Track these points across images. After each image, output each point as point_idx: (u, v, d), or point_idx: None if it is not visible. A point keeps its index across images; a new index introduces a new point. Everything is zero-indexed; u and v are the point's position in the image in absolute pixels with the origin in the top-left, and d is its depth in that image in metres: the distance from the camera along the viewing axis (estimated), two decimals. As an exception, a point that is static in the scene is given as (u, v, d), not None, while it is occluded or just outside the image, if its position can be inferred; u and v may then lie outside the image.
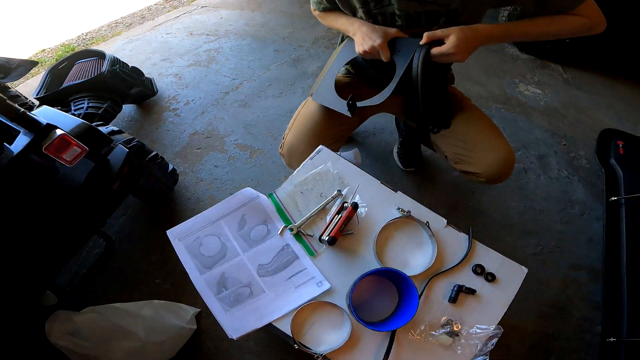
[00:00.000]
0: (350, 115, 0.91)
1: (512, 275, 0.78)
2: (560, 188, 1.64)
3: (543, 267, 1.37)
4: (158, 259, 1.27)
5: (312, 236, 0.77)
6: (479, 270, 0.77)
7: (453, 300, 0.73)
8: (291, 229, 0.76)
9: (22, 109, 0.76)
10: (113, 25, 3.16)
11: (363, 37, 0.91)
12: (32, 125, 0.77)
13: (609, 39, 2.36)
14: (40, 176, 0.86)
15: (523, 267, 0.80)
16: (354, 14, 0.97)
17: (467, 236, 0.80)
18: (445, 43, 0.80)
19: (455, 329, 0.70)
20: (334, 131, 1.04)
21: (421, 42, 0.83)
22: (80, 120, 0.93)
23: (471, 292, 0.74)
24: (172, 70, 2.16)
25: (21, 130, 0.78)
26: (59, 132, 0.79)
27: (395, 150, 1.61)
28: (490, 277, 0.77)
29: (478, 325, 0.71)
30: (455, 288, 0.73)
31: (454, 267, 0.76)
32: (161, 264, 1.25)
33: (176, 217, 1.37)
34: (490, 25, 0.83)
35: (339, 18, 1.02)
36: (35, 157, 0.80)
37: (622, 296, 1.17)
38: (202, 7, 3.29)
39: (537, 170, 1.70)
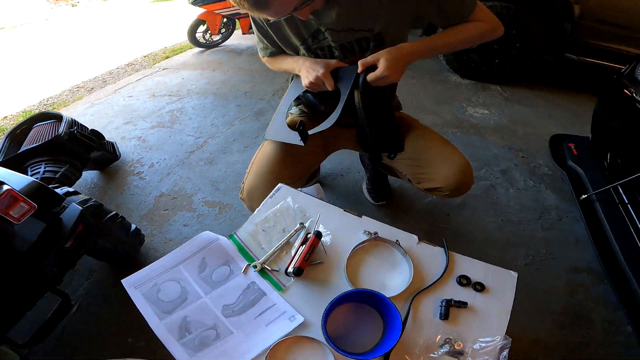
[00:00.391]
0: (302, 144, 0.92)
1: (502, 282, 0.73)
2: (530, 197, 1.68)
3: (541, 275, 1.34)
4: (129, 318, 1.17)
5: (278, 271, 0.72)
6: (464, 281, 0.72)
7: (444, 316, 0.67)
8: (255, 266, 0.72)
9: None
10: (75, 90, 3.20)
11: (307, 71, 0.95)
12: None
13: (526, 56, 2.74)
14: None
15: (511, 272, 0.75)
16: (297, 53, 1.03)
17: (442, 249, 0.77)
18: (377, 67, 0.85)
19: (456, 347, 0.63)
20: (292, 170, 1.04)
21: (358, 71, 0.88)
22: (30, 179, 0.93)
23: (462, 305, 0.69)
24: (135, 133, 2.17)
25: None
26: (5, 187, 0.78)
27: (364, 186, 1.63)
28: (479, 287, 0.72)
29: (481, 339, 0.65)
30: (444, 303, 0.68)
31: (436, 281, 0.72)
32: (133, 323, 1.16)
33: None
34: (413, 42, 0.91)
35: (284, 59, 1.07)
36: None
37: (635, 291, 1.14)
38: (164, 69, 3.43)
39: (504, 184, 1.74)
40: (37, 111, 2.79)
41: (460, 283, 0.72)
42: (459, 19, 0.93)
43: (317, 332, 0.64)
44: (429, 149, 1.05)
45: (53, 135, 1.48)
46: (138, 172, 1.83)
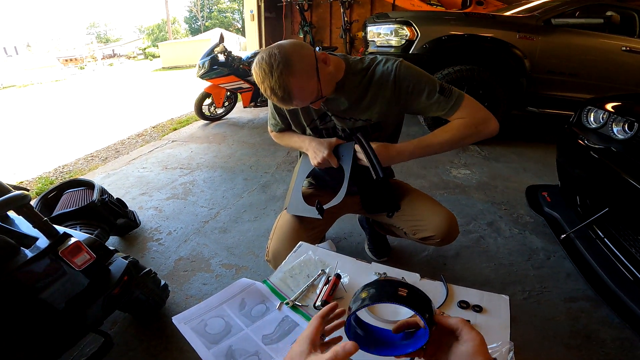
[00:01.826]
0: (321, 217, 1.13)
1: (497, 304, 0.85)
2: (518, 243, 1.84)
3: (540, 307, 1.44)
4: None
5: (307, 306, 0.86)
6: (464, 305, 0.84)
7: None
8: (287, 303, 0.86)
9: (45, 218, 0.92)
10: (89, 158, 3.37)
11: (315, 152, 1.16)
12: (51, 233, 0.93)
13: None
14: (53, 278, 0.95)
15: (504, 295, 0.87)
16: (303, 131, 1.27)
17: (442, 282, 0.92)
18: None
19: None
20: (308, 234, 1.22)
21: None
22: (87, 235, 1.08)
23: None
24: (152, 204, 2.31)
25: (40, 237, 0.92)
26: (73, 239, 0.93)
27: (366, 246, 1.79)
28: (478, 309, 0.83)
29: (488, 347, 0.72)
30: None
31: (440, 306, 0.85)
32: None
33: (168, 329, 1.37)
34: (403, 143, 1.11)
35: (292, 137, 1.30)
36: (50, 260, 0.92)
37: (635, 312, 1.23)
38: (173, 141, 3.66)
39: (491, 234, 1.91)
40: (53, 178, 2.95)
41: (460, 307, 0.85)
42: (446, 116, 1.08)
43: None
44: (420, 206, 1.26)
45: (87, 202, 1.64)
46: (157, 238, 1.95)
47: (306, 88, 0.97)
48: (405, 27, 3.01)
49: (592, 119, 1.68)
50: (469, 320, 0.57)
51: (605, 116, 1.59)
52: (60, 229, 1.01)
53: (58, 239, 0.95)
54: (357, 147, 1.10)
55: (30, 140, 4.31)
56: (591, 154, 1.51)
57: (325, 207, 1.13)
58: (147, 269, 1.29)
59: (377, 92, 1.12)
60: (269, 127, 1.40)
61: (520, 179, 2.56)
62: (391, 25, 3.10)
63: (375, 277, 0.93)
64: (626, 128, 1.47)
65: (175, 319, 0.81)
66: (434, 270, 1.65)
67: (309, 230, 1.22)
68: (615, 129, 1.51)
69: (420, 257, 1.74)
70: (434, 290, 0.91)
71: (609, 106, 1.59)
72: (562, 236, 1.61)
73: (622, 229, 1.45)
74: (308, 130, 1.25)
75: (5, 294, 0.88)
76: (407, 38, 3.01)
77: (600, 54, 3.02)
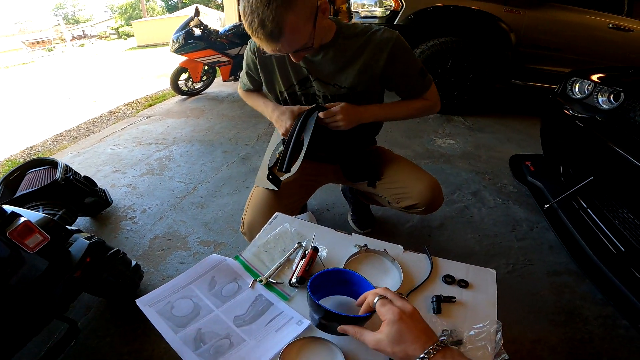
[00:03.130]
0: (277, 189, 1.11)
1: (484, 279, 0.82)
2: (501, 213, 1.83)
3: (524, 280, 1.43)
4: (131, 349, 1.18)
5: (282, 283, 0.80)
6: (449, 279, 0.81)
7: (437, 310, 0.74)
8: (261, 281, 0.80)
9: None
10: (58, 138, 3.24)
11: (277, 122, 1.11)
12: None
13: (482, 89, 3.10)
14: (9, 264, 0.88)
15: (490, 269, 0.84)
16: (278, 97, 1.19)
17: (426, 255, 0.88)
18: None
19: (455, 338, 0.68)
20: (286, 202, 1.17)
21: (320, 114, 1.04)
22: (41, 214, 1.01)
23: (452, 299, 0.76)
24: (125, 181, 2.22)
25: None
26: (22, 219, 0.85)
27: (349, 217, 1.74)
28: (464, 284, 0.80)
29: (474, 326, 0.70)
30: (434, 299, 0.75)
31: (424, 281, 0.81)
32: (135, 355, 1.17)
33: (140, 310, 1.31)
34: (368, 105, 1.11)
35: (257, 100, 1.27)
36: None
37: (618, 286, 1.20)
38: (148, 117, 3.53)
39: (476, 204, 1.89)
40: (21, 160, 2.81)
41: (446, 282, 0.81)
42: (415, 95, 1.15)
43: (323, 334, 0.71)
44: (403, 173, 1.21)
45: (50, 181, 1.55)
46: (131, 217, 1.87)
47: (300, 30, 0.87)
48: None
49: (577, 89, 1.69)
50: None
51: (590, 87, 1.59)
52: (9, 208, 0.92)
53: (5, 220, 0.86)
54: (322, 114, 1.04)
55: (-3, 122, 4.07)
56: (576, 123, 1.50)
57: (282, 178, 1.09)
58: (114, 249, 1.22)
59: (368, 60, 1.05)
60: (239, 85, 1.36)
61: (504, 148, 2.54)
62: None
63: (355, 250, 0.88)
64: (611, 98, 1.47)
65: (139, 302, 0.75)
66: (418, 241, 1.63)
67: (285, 198, 1.17)
68: (600, 99, 1.51)
69: (404, 228, 1.71)
70: (418, 263, 0.86)
71: (594, 77, 1.58)
72: (546, 206, 1.59)
73: (605, 200, 1.44)
74: (284, 95, 1.16)
75: None
76: (392, 9, 2.91)
77: (587, 30, 2.98)
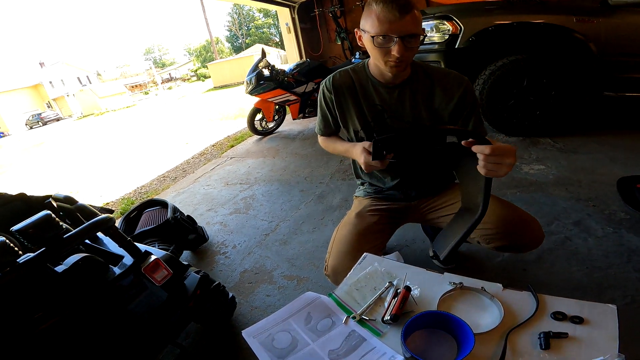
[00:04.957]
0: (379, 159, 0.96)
1: (602, 314, 0.72)
2: (613, 243, 1.59)
3: None
4: None
5: (374, 320, 0.81)
6: (560, 316, 0.72)
7: (545, 346, 0.66)
8: (354, 317, 0.81)
9: (129, 238, 1.02)
10: (161, 179, 3.71)
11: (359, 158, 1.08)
12: (135, 251, 1.02)
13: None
14: (136, 292, 1.04)
15: (610, 305, 0.73)
16: (353, 135, 1.22)
17: (530, 292, 0.80)
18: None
19: None
20: (367, 247, 1.16)
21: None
22: (164, 252, 1.17)
23: (563, 335, 0.68)
24: (218, 219, 2.44)
25: (125, 255, 1.03)
26: (153, 257, 1.02)
27: (431, 253, 1.67)
28: (578, 320, 0.71)
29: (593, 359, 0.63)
30: (542, 335, 0.68)
31: (530, 317, 0.74)
32: None
33: (236, 340, 1.39)
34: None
35: (336, 142, 1.29)
36: (133, 276, 1.01)
37: None
38: (231, 157, 3.87)
39: (580, 235, 1.68)
40: (133, 199, 3.27)
41: (556, 318, 0.72)
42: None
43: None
44: (492, 210, 1.11)
45: (163, 220, 1.80)
46: (223, 252, 2.04)
47: (419, 21, 0.96)
48: (446, 22, 2.87)
49: None
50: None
51: None
52: (142, 247, 1.11)
53: (140, 257, 1.04)
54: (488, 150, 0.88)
55: (112, 164, 4.87)
56: None
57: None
58: (216, 282, 1.35)
59: (440, 101, 1.10)
60: (316, 129, 1.38)
61: (608, 170, 2.23)
62: (430, 22, 2.96)
63: (449, 287, 0.85)
64: None
65: (244, 333, 0.82)
66: (511, 276, 1.49)
67: (367, 244, 1.17)
68: None
69: (493, 263, 1.58)
70: (519, 300, 0.79)
71: None
72: None
73: None
74: (360, 134, 1.20)
75: (98, 308, 0.96)
76: (450, 32, 2.86)
77: None
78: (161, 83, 26.56)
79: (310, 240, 2.00)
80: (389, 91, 1.12)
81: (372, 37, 0.96)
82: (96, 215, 1.13)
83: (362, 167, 1.06)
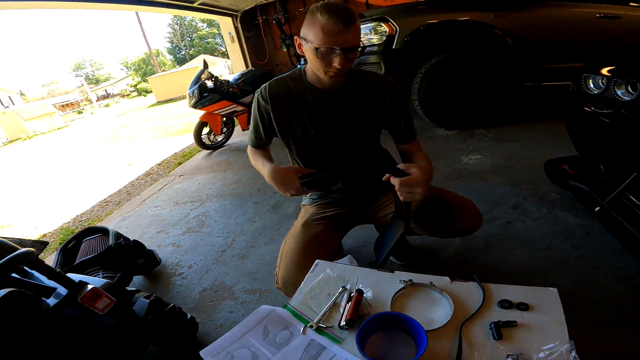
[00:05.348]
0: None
1: (546, 299, 0.76)
2: (550, 223, 1.73)
3: (593, 290, 1.31)
4: None
5: (332, 327, 0.81)
6: (506, 304, 0.76)
7: (498, 336, 0.69)
8: (311, 326, 0.81)
9: (58, 270, 0.99)
10: (103, 204, 3.41)
11: (278, 188, 1.09)
12: (68, 283, 1.00)
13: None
14: (80, 322, 1.04)
15: (551, 289, 0.78)
16: (292, 140, 1.21)
17: (476, 283, 0.84)
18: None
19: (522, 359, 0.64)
20: (316, 257, 1.15)
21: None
22: (104, 280, 1.16)
23: (512, 324, 0.72)
24: (169, 240, 2.32)
25: (57, 287, 1.01)
26: (90, 286, 0.99)
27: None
28: (523, 306, 0.75)
29: (544, 348, 0.65)
30: (492, 325, 0.72)
31: (479, 308, 0.77)
32: None
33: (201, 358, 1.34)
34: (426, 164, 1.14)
35: (258, 159, 1.24)
36: (73, 307, 1.00)
37: None
38: (180, 175, 3.67)
39: (519, 218, 1.81)
40: (73, 228, 2.99)
41: (502, 307, 0.77)
42: (410, 137, 1.22)
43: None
44: (438, 200, 1.20)
45: (105, 247, 1.70)
46: (179, 273, 1.95)
47: (359, 33, 1.01)
48: (382, 24, 2.99)
49: (591, 85, 1.63)
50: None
51: (604, 81, 1.53)
52: (77, 277, 1.07)
53: (75, 287, 1.01)
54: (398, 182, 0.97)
55: (47, 192, 4.42)
56: (602, 120, 1.45)
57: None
58: (171, 305, 1.33)
59: (375, 100, 1.15)
60: (248, 141, 1.34)
61: (536, 154, 2.45)
62: (368, 24, 3.08)
63: (400, 285, 0.87)
64: (629, 89, 1.41)
65: (202, 353, 0.79)
66: (464, 266, 1.56)
67: (316, 253, 1.16)
68: (619, 92, 1.45)
69: (446, 255, 1.65)
70: (468, 292, 0.83)
71: (605, 70, 1.53)
72: (597, 209, 1.49)
73: None
74: (300, 139, 1.20)
75: (37, 340, 0.93)
76: (387, 34, 2.98)
77: (577, 22, 2.96)
78: (96, 100, 24.55)
79: (268, 252, 1.97)
80: (326, 97, 1.14)
81: (316, 48, 0.97)
82: (16, 249, 1.06)
83: (285, 195, 1.09)
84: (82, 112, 20.56)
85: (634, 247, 1.31)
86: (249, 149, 1.32)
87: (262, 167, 1.18)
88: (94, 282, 1.09)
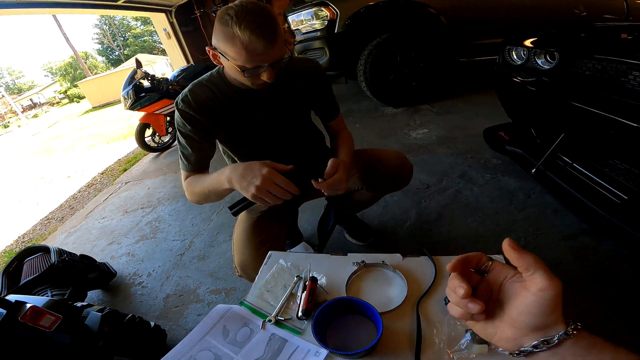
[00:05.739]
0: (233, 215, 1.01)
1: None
2: (494, 188, 1.84)
3: (542, 252, 1.37)
4: None
5: (291, 319, 0.80)
6: None
7: None
8: (270, 320, 0.80)
9: (4, 293, 0.97)
10: (45, 222, 3.17)
11: (241, 181, 0.89)
12: (4, 304, 0.99)
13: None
14: (31, 341, 1.03)
15: (497, 256, 0.77)
16: (231, 141, 1.14)
17: (427, 257, 0.86)
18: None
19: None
20: (267, 234, 1.16)
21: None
22: (46, 298, 1.16)
23: None
24: (123, 251, 2.20)
25: None
26: (28, 305, 0.99)
27: (346, 235, 1.72)
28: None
29: None
30: (447, 300, 0.68)
31: (432, 285, 0.78)
32: None
33: None
34: (345, 157, 1.14)
35: (204, 177, 1.04)
36: (19, 327, 0.99)
37: (635, 236, 1.11)
38: (126, 182, 3.47)
39: (467, 186, 1.91)
40: (16, 250, 2.77)
41: None
42: (334, 114, 1.24)
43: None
44: (367, 157, 1.26)
45: (47, 266, 1.62)
46: (139, 282, 1.86)
47: (284, 43, 0.90)
48: (323, 8, 2.98)
49: (514, 56, 1.72)
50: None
51: (525, 52, 1.63)
52: (15, 297, 1.07)
53: (12, 308, 0.99)
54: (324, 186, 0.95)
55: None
56: (528, 88, 1.53)
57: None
58: (130, 315, 1.31)
59: (300, 86, 1.14)
60: (182, 174, 1.12)
61: (476, 124, 2.59)
62: (309, 9, 3.05)
63: (354, 268, 0.88)
64: (548, 58, 1.51)
65: None
66: (421, 240, 1.62)
67: (265, 231, 1.16)
68: (539, 61, 1.55)
69: (404, 230, 1.71)
70: (421, 267, 0.84)
71: (526, 42, 1.62)
72: (533, 170, 1.58)
73: (587, 152, 1.45)
74: (236, 136, 1.13)
75: None
76: (329, 18, 2.98)
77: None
78: (22, 112, 22.14)
79: (229, 249, 1.93)
80: (254, 96, 1.08)
81: (240, 67, 0.88)
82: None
83: (252, 192, 0.89)
84: (8, 126, 18.50)
85: (572, 206, 1.34)
86: (187, 180, 1.09)
87: (217, 177, 0.98)
88: (34, 301, 1.07)
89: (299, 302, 0.81)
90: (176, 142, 1.10)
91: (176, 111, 1.04)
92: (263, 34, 0.84)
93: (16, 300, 1.01)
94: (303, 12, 3.13)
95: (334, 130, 1.25)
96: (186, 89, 1.06)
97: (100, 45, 40.67)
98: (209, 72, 1.09)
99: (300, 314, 0.78)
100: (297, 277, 0.89)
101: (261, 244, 1.12)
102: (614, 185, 1.29)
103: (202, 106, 1.02)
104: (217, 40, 0.89)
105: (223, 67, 1.03)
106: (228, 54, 0.88)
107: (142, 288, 1.81)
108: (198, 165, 1.08)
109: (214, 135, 1.08)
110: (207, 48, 0.96)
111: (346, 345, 0.72)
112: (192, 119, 1.02)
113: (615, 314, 1.12)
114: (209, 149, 1.09)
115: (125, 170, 3.92)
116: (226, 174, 0.93)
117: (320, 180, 0.93)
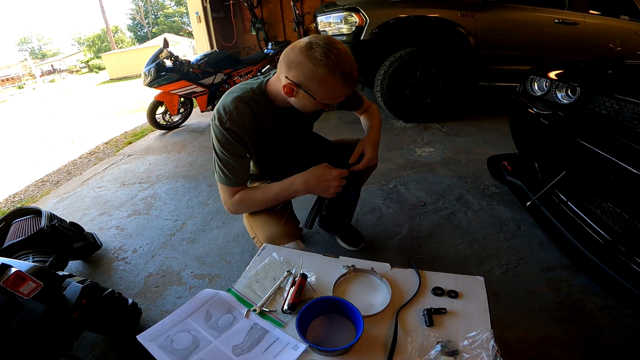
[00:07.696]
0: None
1: (473, 287, 0.83)
2: (487, 215, 1.86)
3: (520, 280, 1.44)
4: None
5: (275, 311, 0.82)
6: (439, 291, 0.82)
7: (429, 323, 0.75)
8: (255, 310, 0.81)
9: None
10: (39, 184, 3.13)
11: (319, 186, 1.05)
12: None
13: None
14: (9, 309, 0.98)
15: (478, 277, 0.85)
16: (272, 149, 1.18)
17: (413, 270, 0.90)
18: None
19: (450, 349, 0.68)
20: (282, 209, 1.20)
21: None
22: (31, 264, 1.10)
23: (442, 311, 0.77)
24: (113, 223, 2.19)
25: None
26: (13, 269, 0.93)
27: (338, 240, 1.74)
28: (453, 294, 0.81)
29: (467, 335, 0.71)
30: (425, 312, 0.76)
31: (414, 296, 0.82)
32: None
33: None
34: (371, 130, 1.33)
35: (264, 189, 1.10)
36: None
37: (613, 276, 1.17)
38: (129, 155, 3.46)
39: (461, 209, 1.93)
40: (5, 209, 2.74)
41: (435, 294, 0.82)
42: (359, 105, 1.37)
43: (319, 357, 0.72)
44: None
45: (36, 229, 1.57)
46: (122, 257, 1.85)
47: None
48: (353, 14, 3.01)
49: (536, 87, 1.74)
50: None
51: (547, 84, 1.64)
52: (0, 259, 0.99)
53: None
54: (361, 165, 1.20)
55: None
56: (541, 121, 1.55)
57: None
58: (109, 290, 1.28)
59: None
60: (225, 193, 1.11)
61: (482, 150, 2.62)
62: (340, 13, 3.08)
63: (344, 270, 0.90)
64: (569, 93, 1.52)
65: (140, 337, 0.77)
66: (409, 253, 1.64)
67: (280, 209, 1.21)
68: (559, 95, 1.56)
69: (394, 242, 1.73)
70: (406, 278, 0.88)
71: (550, 74, 1.64)
72: (527, 203, 1.62)
73: (583, 192, 1.47)
74: (278, 139, 1.18)
75: None
76: (357, 25, 3.00)
77: (536, 27, 3.14)
78: (40, 76, 22.24)
79: (220, 235, 1.93)
80: (288, 111, 1.11)
81: (321, 102, 0.96)
82: None
83: (332, 193, 1.06)
84: (22, 87, 18.55)
85: (557, 240, 1.41)
86: (239, 194, 1.10)
87: (289, 186, 1.07)
88: (19, 265, 1.02)
89: (285, 296, 0.83)
90: (213, 156, 1.07)
91: (220, 128, 1.01)
92: (353, 83, 0.94)
93: (3, 263, 0.96)
94: (333, 15, 3.15)
95: (361, 112, 1.40)
96: (229, 104, 1.01)
97: (131, 21, 40.87)
98: (249, 86, 1.06)
99: (285, 307, 0.80)
100: (287, 271, 0.91)
101: (281, 215, 1.16)
102: (601, 227, 1.34)
103: (246, 125, 1.04)
104: (303, 78, 0.91)
105: (267, 81, 1.05)
106: (316, 93, 0.93)
107: (125, 264, 1.79)
108: (245, 180, 1.12)
109: (249, 149, 1.12)
110: (286, 84, 0.94)
111: (325, 342, 0.74)
112: (240, 139, 1.04)
113: (574, 343, 1.17)
114: (249, 161, 1.17)
115: (130, 143, 3.91)
116: (299, 183, 1.05)
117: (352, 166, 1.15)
